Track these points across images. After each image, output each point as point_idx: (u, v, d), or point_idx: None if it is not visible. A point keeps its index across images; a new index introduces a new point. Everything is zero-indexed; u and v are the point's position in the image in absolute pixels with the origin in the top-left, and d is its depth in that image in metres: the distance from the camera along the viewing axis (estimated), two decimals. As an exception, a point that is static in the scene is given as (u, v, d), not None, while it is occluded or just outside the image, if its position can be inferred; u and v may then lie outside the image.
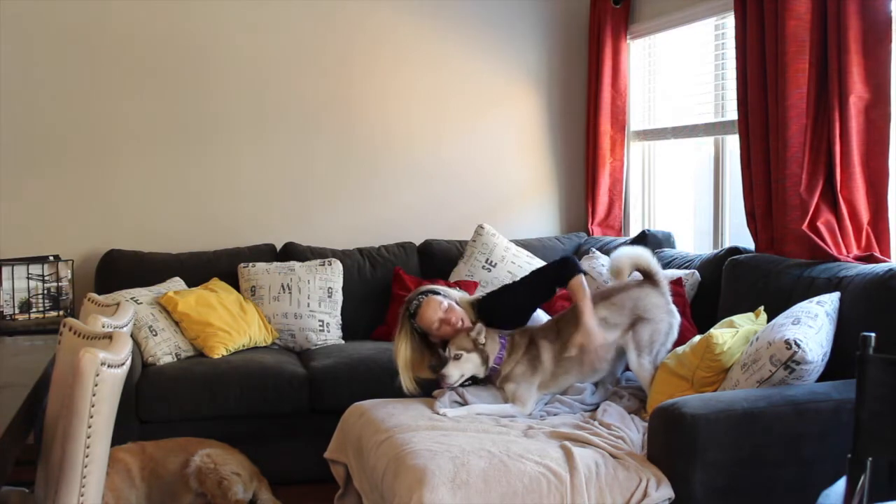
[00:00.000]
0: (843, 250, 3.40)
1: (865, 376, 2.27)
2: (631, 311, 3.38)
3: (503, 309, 3.50)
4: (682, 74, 4.97)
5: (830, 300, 3.09)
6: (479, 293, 3.64)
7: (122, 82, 4.87)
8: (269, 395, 4.04)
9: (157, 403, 3.96)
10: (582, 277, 3.37)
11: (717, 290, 3.78)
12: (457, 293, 3.58)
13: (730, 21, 4.13)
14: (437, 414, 3.22)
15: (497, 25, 5.31)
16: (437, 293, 3.47)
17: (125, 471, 3.35)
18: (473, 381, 3.48)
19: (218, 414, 4.02)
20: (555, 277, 3.45)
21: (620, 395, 3.43)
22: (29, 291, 4.55)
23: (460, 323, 3.41)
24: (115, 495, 3.23)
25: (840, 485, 2.35)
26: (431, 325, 3.40)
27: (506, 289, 3.66)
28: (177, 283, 4.58)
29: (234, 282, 4.64)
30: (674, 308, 3.44)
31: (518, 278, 3.73)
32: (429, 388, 3.48)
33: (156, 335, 4.19)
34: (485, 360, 3.37)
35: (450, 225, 5.21)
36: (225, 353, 4.28)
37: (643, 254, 3.49)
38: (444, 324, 3.40)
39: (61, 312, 4.58)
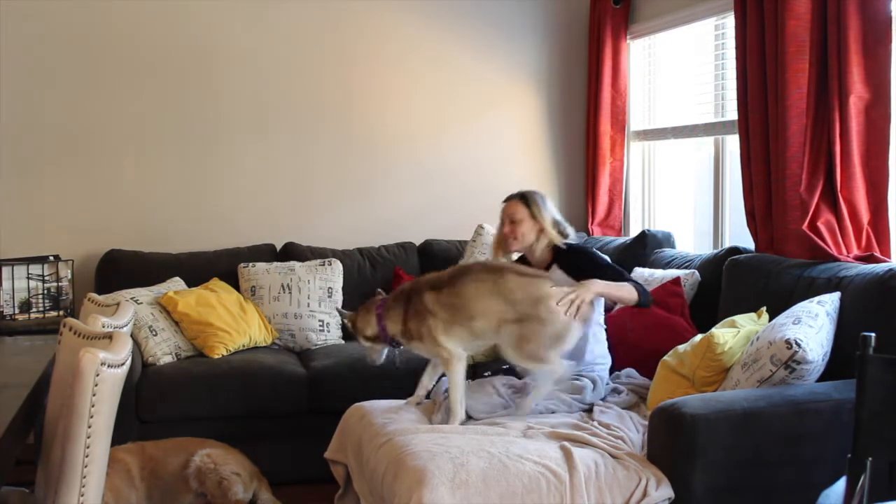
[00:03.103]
0: (843, 250, 3.40)
1: (865, 376, 2.27)
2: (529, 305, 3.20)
3: (586, 270, 3.37)
4: (682, 74, 4.97)
5: (831, 300, 3.09)
6: (575, 240, 3.54)
7: (123, 82, 4.87)
8: (269, 395, 4.04)
9: (157, 403, 3.96)
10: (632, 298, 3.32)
11: (717, 290, 3.78)
12: (546, 223, 3.47)
13: (730, 21, 4.13)
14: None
15: (497, 26, 5.31)
16: (528, 206, 3.47)
17: (125, 471, 3.35)
18: (473, 374, 3.50)
19: (218, 414, 4.02)
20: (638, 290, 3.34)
21: (619, 390, 3.43)
22: (29, 291, 4.55)
23: (517, 240, 3.48)
24: (115, 495, 3.23)
25: (840, 485, 2.35)
26: (503, 219, 3.53)
27: (597, 266, 3.42)
28: (177, 283, 4.58)
29: (234, 282, 4.64)
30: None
31: (607, 265, 3.48)
32: None
33: (156, 335, 4.20)
34: (374, 338, 3.31)
35: (450, 225, 5.21)
36: (225, 353, 4.28)
37: None
38: (506, 227, 3.51)
39: (61, 312, 4.58)
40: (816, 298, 3.11)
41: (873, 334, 2.29)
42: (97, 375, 2.00)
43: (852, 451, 2.26)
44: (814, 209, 3.43)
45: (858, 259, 3.36)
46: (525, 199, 3.52)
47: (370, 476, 3.04)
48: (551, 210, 3.54)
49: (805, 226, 3.44)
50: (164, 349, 4.19)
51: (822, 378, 2.97)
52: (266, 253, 4.86)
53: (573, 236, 3.56)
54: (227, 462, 3.50)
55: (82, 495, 2.07)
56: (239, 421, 4.05)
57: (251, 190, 5.07)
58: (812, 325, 2.94)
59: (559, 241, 3.48)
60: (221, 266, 4.73)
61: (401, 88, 5.23)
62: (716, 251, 4.06)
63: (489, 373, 3.56)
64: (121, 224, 4.89)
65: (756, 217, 3.76)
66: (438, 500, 2.64)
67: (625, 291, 3.32)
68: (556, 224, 3.51)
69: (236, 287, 4.62)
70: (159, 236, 4.90)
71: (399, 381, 4.01)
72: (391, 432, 3.08)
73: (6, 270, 4.53)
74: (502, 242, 3.54)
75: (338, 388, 4.07)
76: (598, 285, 3.25)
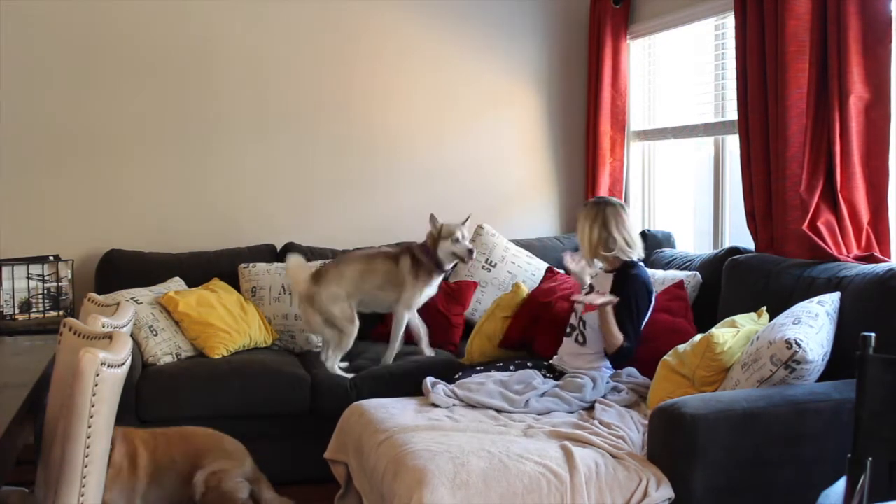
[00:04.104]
0: (843, 250, 3.40)
1: (865, 376, 2.27)
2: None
3: (628, 296, 3.55)
4: (682, 74, 4.97)
5: (831, 300, 3.09)
6: (633, 258, 3.64)
7: (123, 82, 4.87)
8: (269, 396, 4.04)
9: (157, 403, 3.96)
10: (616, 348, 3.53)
11: (717, 290, 3.78)
12: (580, 240, 3.72)
13: (730, 21, 4.13)
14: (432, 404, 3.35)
15: (497, 25, 5.31)
16: (592, 221, 3.65)
17: (131, 457, 3.30)
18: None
19: (218, 414, 4.01)
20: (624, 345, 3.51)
21: (619, 389, 3.44)
22: (29, 291, 4.56)
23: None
24: (117, 473, 3.17)
25: (840, 485, 2.35)
26: None
27: (627, 294, 3.56)
28: (177, 283, 4.58)
29: (234, 282, 4.64)
30: None
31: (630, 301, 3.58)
32: None
33: (156, 335, 4.19)
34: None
35: (450, 225, 5.20)
36: (225, 354, 4.28)
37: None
38: None
39: (61, 312, 4.58)
40: (816, 298, 3.11)
41: (873, 334, 2.29)
42: (97, 375, 2.00)
43: (852, 451, 2.26)
44: (814, 209, 3.43)
45: (858, 259, 3.36)
46: (590, 214, 3.68)
47: (370, 473, 3.04)
48: (609, 227, 3.60)
49: (805, 226, 3.44)
50: (164, 349, 4.19)
51: (822, 378, 2.97)
52: (266, 253, 4.85)
53: (628, 255, 3.62)
54: (231, 477, 3.46)
55: (82, 495, 2.07)
56: (239, 421, 4.04)
57: (251, 190, 5.07)
58: (812, 325, 2.94)
59: (590, 260, 3.67)
60: (222, 266, 4.73)
61: (401, 88, 5.23)
62: (716, 251, 4.06)
63: (481, 368, 3.65)
64: (121, 224, 4.89)
65: (756, 217, 3.76)
66: (439, 500, 2.64)
67: (615, 336, 3.48)
68: (595, 244, 3.62)
69: (237, 287, 4.62)
70: (159, 236, 4.90)
71: (398, 379, 4.03)
72: (391, 429, 3.08)
73: (6, 270, 4.53)
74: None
75: (338, 388, 4.06)
76: (610, 312, 3.47)
